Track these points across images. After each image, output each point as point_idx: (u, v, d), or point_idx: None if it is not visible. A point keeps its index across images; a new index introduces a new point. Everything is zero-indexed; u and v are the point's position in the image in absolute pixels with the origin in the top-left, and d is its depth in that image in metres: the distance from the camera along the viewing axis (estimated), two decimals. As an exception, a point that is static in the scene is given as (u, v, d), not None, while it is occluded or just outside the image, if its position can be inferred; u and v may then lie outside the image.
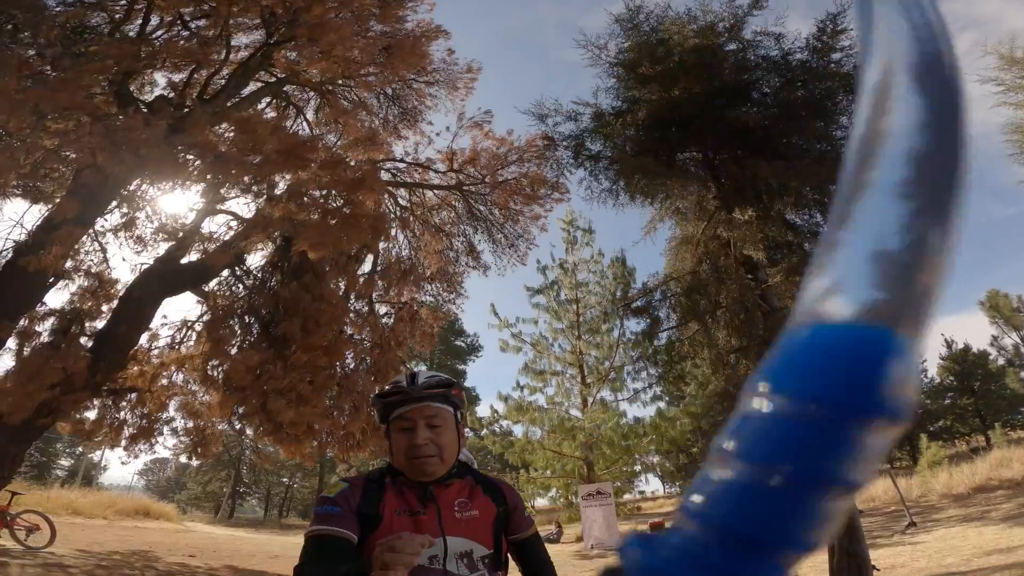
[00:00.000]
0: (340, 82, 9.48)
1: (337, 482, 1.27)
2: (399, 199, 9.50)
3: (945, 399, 25.88)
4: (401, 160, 9.15)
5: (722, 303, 5.20)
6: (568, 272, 17.92)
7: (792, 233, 4.31)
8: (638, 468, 18.29)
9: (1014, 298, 27.79)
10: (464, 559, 1.19)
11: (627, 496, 21.78)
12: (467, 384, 35.57)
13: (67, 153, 6.19)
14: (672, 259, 5.43)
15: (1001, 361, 27.15)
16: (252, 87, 9.12)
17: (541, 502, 23.74)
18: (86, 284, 7.66)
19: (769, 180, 3.77)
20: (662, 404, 16.68)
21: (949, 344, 27.56)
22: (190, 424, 8.61)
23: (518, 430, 17.31)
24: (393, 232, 9.31)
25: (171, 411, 8.68)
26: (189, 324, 8.49)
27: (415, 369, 1.55)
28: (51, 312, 7.62)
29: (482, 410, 17.79)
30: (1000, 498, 10.88)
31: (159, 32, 8.16)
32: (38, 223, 6.95)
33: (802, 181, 3.77)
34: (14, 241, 7.11)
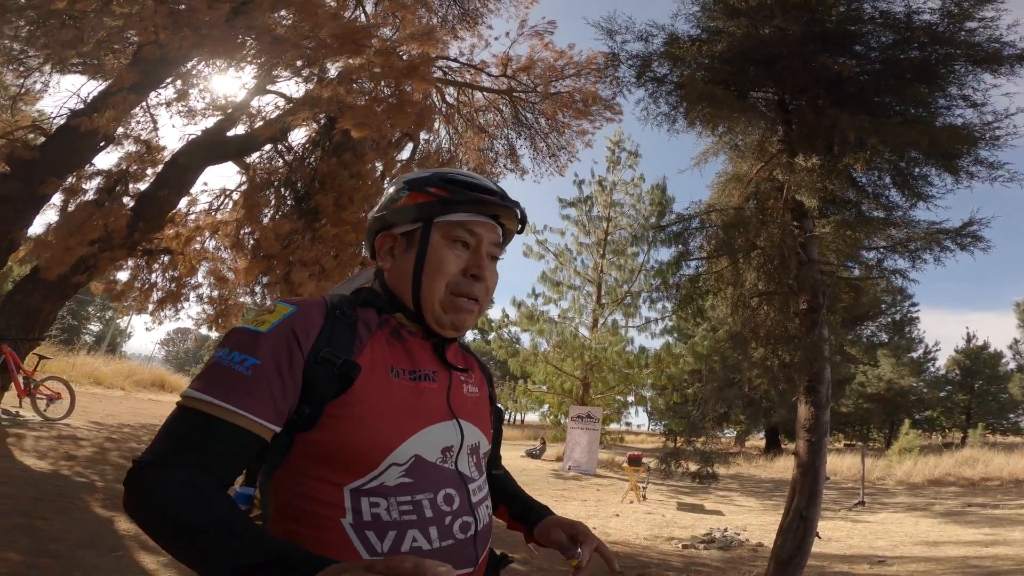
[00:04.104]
0: (403, -26, 8.91)
1: (275, 304, 0.76)
2: (447, 96, 9.30)
3: (942, 391, 25.52)
4: (455, 60, 8.86)
5: (759, 244, 5.20)
6: (605, 190, 17.63)
7: (853, 190, 4.24)
8: (631, 399, 18.50)
9: (1052, 306, 26.22)
10: (472, 455, 0.84)
11: (613, 425, 22.72)
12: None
13: (130, 34, 6.09)
14: (718, 194, 5.38)
15: (1012, 365, 26.36)
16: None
17: (532, 416, 24.61)
18: (134, 149, 7.78)
19: (847, 132, 3.65)
20: (671, 339, 17.01)
21: (969, 338, 26.73)
22: (215, 293, 9.04)
23: (526, 340, 17.68)
24: (436, 126, 9.23)
25: (199, 276, 9.07)
26: (227, 192, 8.71)
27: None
28: (98, 172, 7.83)
29: (493, 313, 18.12)
30: (949, 494, 11.15)
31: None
32: (95, 93, 6.98)
33: (883, 140, 3.64)
34: (69, 110, 7.17)
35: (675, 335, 17.37)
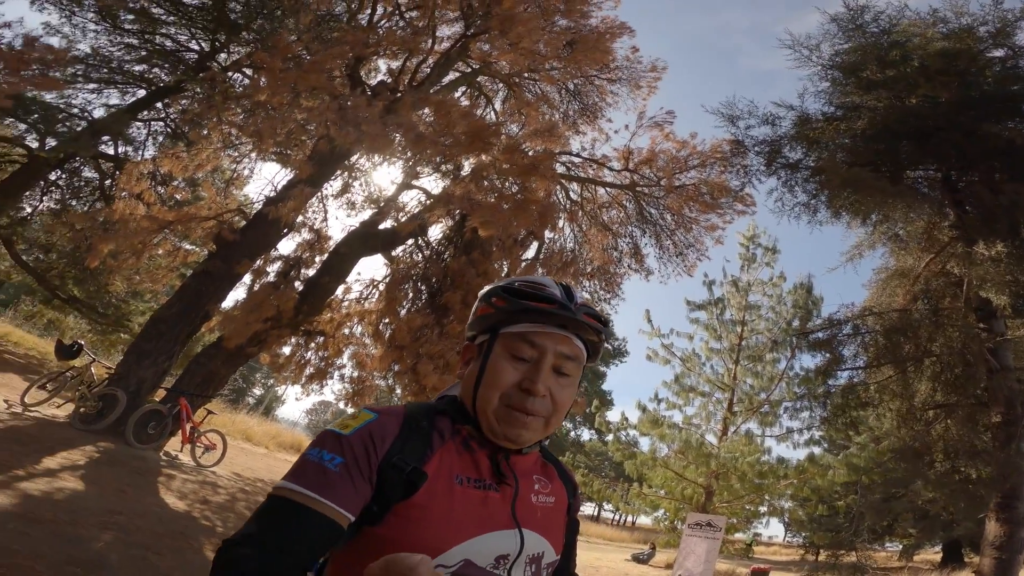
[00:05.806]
0: (526, 75, 10.07)
1: (359, 411, 0.83)
2: (570, 192, 9.75)
3: None
4: (577, 155, 9.38)
5: (934, 351, 4.45)
6: (739, 291, 16.56)
7: (1055, 280, 3.51)
8: (763, 509, 16.49)
9: None
10: (532, 565, 0.86)
11: (738, 535, 20.15)
12: (604, 388, 35.42)
13: (311, 126, 7.54)
14: (878, 292, 4.78)
15: None
16: (451, 76, 10.11)
17: (644, 520, 22.66)
18: (308, 237, 9.24)
19: (1037, 212, 3.11)
20: (817, 449, 14.89)
21: None
22: (355, 374, 9.90)
23: (644, 442, 16.73)
24: (560, 223, 9.60)
25: (344, 358, 10.02)
26: (375, 283, 9.76)
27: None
28: (279, 257, 9.37)
29: (612, 415, 17.52)
30: None
31: (382, 21, 9.47)
32: (283, 183, 8.60)
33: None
34: (265, 196, 8.88)
35: (824, 445, 15.14)
